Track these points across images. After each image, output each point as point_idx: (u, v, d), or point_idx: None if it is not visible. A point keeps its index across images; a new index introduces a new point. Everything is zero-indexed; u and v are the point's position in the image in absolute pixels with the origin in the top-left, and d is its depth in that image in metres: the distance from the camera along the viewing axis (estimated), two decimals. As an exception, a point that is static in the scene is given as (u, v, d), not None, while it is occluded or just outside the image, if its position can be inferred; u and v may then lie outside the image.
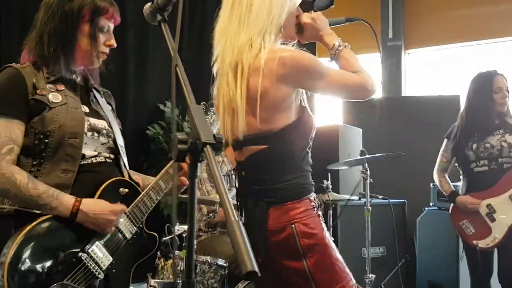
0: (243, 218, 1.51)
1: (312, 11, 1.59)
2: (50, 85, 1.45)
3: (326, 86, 1.46)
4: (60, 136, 1.41)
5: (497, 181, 2.68)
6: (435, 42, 5.66)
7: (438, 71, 5.74)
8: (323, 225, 1.47)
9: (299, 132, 1.47)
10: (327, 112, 5.37)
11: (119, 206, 1.48)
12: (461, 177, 2.92)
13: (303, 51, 1.46)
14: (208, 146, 0.84)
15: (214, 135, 0.86)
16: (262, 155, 1.45)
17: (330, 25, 1.61)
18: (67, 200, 1.39)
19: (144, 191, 1.58)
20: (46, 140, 1.41)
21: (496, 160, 2.70)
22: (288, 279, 1.45)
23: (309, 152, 1.51)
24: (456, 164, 2.92)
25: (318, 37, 1.58)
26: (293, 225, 1.41)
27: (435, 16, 5.50)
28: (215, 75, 1.54)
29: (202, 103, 1.86)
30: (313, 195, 1.48)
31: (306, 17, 1.57)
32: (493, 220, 2.69)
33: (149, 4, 1.22)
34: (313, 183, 1.50)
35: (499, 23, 5.38)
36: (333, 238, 2.90)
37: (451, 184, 2.90)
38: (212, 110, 1.83)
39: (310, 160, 1.52)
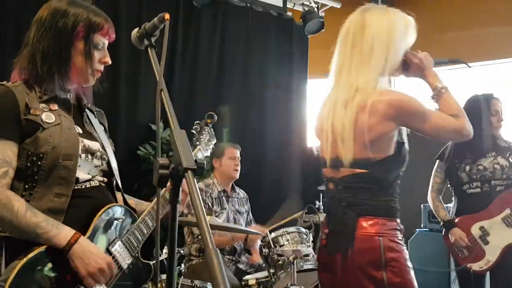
0: (330, 225, 1.66)
1: (419, 51, 1.70)
2: (43, 105, 1.40)
3: (426, 128, 1.61)
4: (53, 158, 1.35)
5: (489, 203, 2.69)
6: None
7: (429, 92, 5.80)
8: (406, 251, 1.61)
9: (395, 164, 1.64)
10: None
11: (113, 263, 1.41)
12: (453, 198, 2.92)
13: (408, 95, 1.60)
14: (189, 171, 0.84)
15: (195, 160, 0.87)
16: (361, 177, 1.61)
17: (434, 65, 1.72)
18: (67, 230, 1.33)
19: (140, 217, 1.53)
20: (39, 163, 1.35)
21: (489, 182, 2.72)
22: (364, 285, 1.56)
23: (399, 182, 1.69)
24: (449, 185, 2.93)
25: (423, 75, 1.70)
26: (380, 238, 1.55)
27: (424, 38, 5.60)
28: (323, 101, 1.73)
29: (196, 122, 1.86)
30: (399, 221, 1.63)
31: (414, 56, 1.67)
32: (486, 242, 2.69)
33: (136, 29, 1.24)
34: (399, 209, 1.66)
35: (492, 45, 5.48)
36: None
37: (447, 210, 2.88)
38: (206, 130, 1.83)
39: (398, 190, 1.68)
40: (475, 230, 2.72)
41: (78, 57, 1.43)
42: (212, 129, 1.88)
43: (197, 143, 1.80)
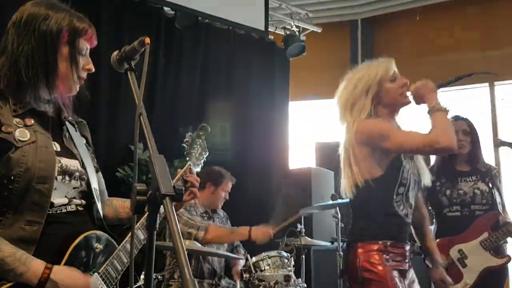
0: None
1: (423, 80, 1.93)
2: (18, 120, 1.27)
3: (392, 146, 1.80)
4: (26, 181, 1.23)
5: (468, 227, 2.72)
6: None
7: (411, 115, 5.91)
8: (388, 269, 1.78)
9: (378, 188, 1.81)
10: (300, 154, 5.42)
11: (93, 282, 1.30)
12: (434, 220, 2.95)
13: (377, 120, 1.86)
14: (167, 198, 0.82)
15: (174, 187, 0.85)
16: (351, 203, 1.95)
17: (441, 86, 1.93)
18: (36, 266, 1.20)
19: (121, 244, 1.41)
20: (10, 186, 1.22)
21: (468, 207, 2.76)
22: None
23: (395, 203, 1.86)
24: (430, 208, 2.95)
25: (423, 100, 1.91)
26: (358, 261, 1.79)
27: (403, 63, 5.73)
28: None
29: (188, 134, 1.79)
30: (388, 242, 1.80)
31: (412, 87, 1.93)
32: (464, 265, 2.72)
33: (116, 52, 1.23)
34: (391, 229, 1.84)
35: (467, 70, 5.63)
36: (305, 285, 2.86)
37: None
38: (198, 142, 1.75)
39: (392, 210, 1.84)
40: (453, 253, 2.74)
41: (63, 63, 1.32)
42: (204, 142, 1.81)
43: (187, 158, 1.69)
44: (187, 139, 1.73)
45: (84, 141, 1.47)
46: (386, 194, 1.81)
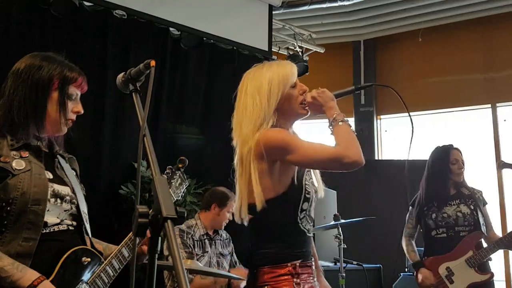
0: None
1: (319, 88, 1.72)
2: (14, 152, 1.45)
3: (298, 159, 1.59)
4: (22, 203, 1.39)
5: (454, 247, 2.93)
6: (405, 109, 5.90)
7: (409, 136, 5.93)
8: None
9: (280, 206, 1.61)
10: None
11: None
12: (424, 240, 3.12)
13: (280, 130, 1.63)
14: (169, 221, 0.83)
15: (175, 209, 0.86)
16: (250, 223, 1.69)
17: (340, 95, 1.74)
18: (31, 274, 1.35)
19: (107, 259, 1.55)
20: (8, 208, 1.39)
21: (453, 228, 2.97)
22: None
23: (300, 221, 1.66)
24: (421, 230, 3.14)
25: (322, 111, 1.71)
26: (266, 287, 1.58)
27: (406, 84, 5.78)
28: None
29: (168, 166, 1.85)
30: (295, 263, 1.59)
31: (308, 96, 1.70)
32: (451, 282, 2.91)
33: (122, 74, 1.26)
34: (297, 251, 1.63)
35: (469, 91, 5.67)
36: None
37: (416, 252, 3.09)
38: (177, 174, 1.84)
39: (297, 230, 1.65)
40: (442, 270, 2.93)
41: (53, 107, 1.49)
42: (183, 174, 1.89)
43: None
44: (167, 171, 1.83)
45: (74, 173, 1.64)
46: (291, 212, 1.62)
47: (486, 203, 3.11)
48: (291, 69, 1.70)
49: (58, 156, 1.59)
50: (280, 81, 1.67)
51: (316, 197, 1.74)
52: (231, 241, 3.32)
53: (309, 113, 1.72)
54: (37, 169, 1.46)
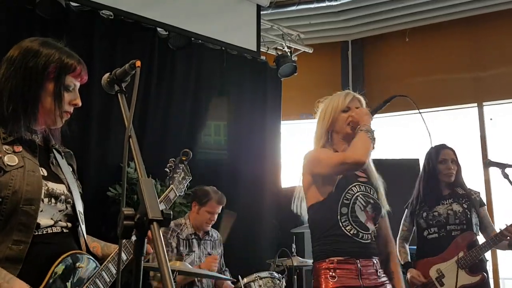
0: None
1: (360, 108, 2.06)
2: (7, 147, 1.34)
3: (323, 169, 1.92)
4: (14, 203, 1.29)
5: (446, 247, 2.87)
6: (395, 108, 5.93)
7: (398, 135, 5.97)
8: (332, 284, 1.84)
9: (322, 209, 1.93)
10: (291, 173, 5.42)
11: None
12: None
13: (319, 149, 2.02)
14: (154, 223, 0.82)
15: (162, 211, 0.85)
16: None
17: (376, 111, 2.05)
18: (19, 285, 1.25)
19: (103, 264, 1.46)
20: None
21: (444, 228, 2.90)
22: None
23: (341, 224, 1.95)
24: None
25: (359, 125, 2.00)
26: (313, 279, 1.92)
27: (393, 83, 5.82)
28: None
29: (171, 159, 1.81)
30: (333, 259, 1.88)
31: (352, 113, 2.02)
32: (442, 284, 2.86)
33: (107, 74, 1.24)
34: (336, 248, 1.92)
35: (456, 90, 5.72)
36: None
37: (408, 254, 3.06)
38: (181, 167, 1.78)
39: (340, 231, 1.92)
40: (432, 272, 2.89)
41: (47, 98, 1.38)
42: (187, 167, 1.82)
43: (170, 182, 1.74)
44: (170, 164, 1.76)
45: (71, 169, 1.53)
46: (330, 215, 1.89)
47: (484, 205, 3.05)
48: (342, 97, 2.04)
49: (54, 150, 1.48)
50: (333, 107, 2.04)
51: (375, 207, 1.96)
52: (221, 243, 3.29)
53: (351, 132, 1.99)
54: (31, 165, 1.36)
